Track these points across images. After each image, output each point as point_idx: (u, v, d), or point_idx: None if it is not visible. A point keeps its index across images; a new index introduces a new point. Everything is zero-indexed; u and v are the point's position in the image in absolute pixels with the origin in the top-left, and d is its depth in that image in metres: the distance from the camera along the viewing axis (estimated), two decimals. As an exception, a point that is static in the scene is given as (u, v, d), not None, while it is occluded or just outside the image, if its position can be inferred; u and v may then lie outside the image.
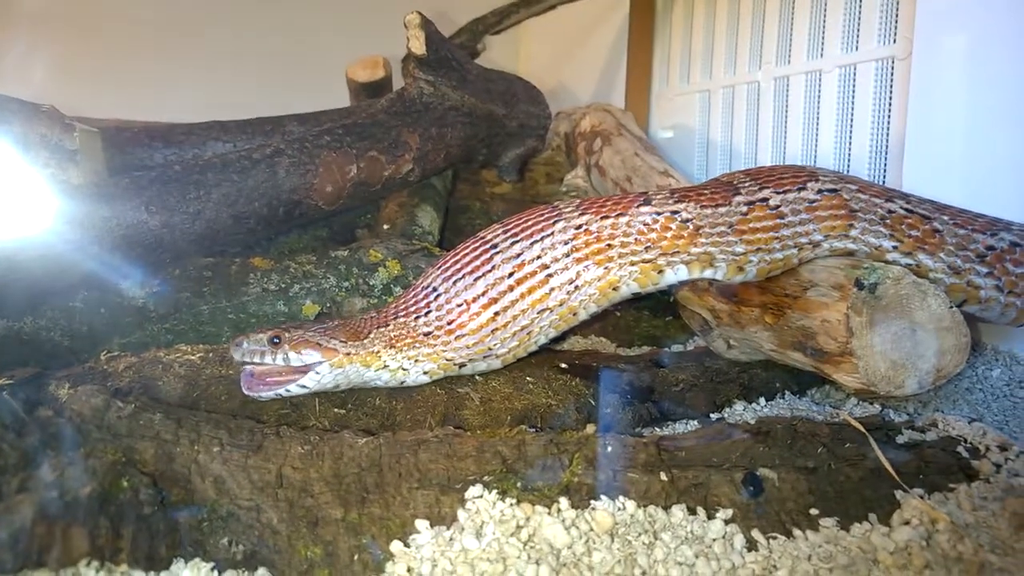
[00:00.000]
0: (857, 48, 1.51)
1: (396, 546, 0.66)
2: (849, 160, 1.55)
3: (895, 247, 0.96)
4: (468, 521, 0.68)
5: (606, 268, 0.94)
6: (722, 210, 0.92)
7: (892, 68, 1.44)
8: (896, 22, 1.41)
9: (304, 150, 1.04)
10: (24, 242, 0.86)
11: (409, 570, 0.64)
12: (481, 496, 0.70)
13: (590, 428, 0.87)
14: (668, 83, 2.14)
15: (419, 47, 1.16)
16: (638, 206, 0.93)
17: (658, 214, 0.92)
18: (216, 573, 0.63)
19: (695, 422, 1.08)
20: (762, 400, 1.13)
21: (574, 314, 0.96)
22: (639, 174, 1.43)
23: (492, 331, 0.93)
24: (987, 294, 0.96)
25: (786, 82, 1.69)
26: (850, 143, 1.54)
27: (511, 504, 0.70)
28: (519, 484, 0.72)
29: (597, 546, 0.68)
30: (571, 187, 1.66)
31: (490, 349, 0.93)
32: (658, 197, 0.94)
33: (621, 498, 0.72)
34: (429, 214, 1.36)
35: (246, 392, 0.84)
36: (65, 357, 1.04)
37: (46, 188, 1.08)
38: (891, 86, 1.44)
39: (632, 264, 0.93)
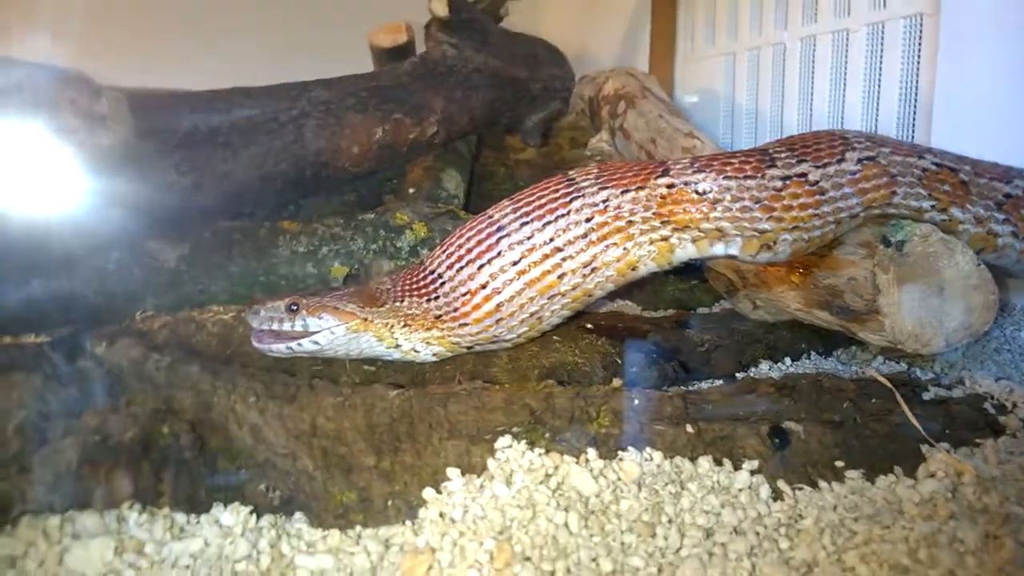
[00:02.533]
0: (885, 6, 1.48)
1: (428, 493, 0.68)
2: (877, 121, 1.52)
3: (933, 206, 0.94)
4: (498, 470, 0.69)
5: (625, 248, 0.87)
6: (751, 183, 0.85)
7: (921, 25, 1.40)
8: (923, -24, 1.37)
9: (330, 112, 1.05)
10: (58, 205, 0.87)
11: (441, 515, 0.66)
12: (510, 446, 0.72)
13: (616, 382, 0.87)
14: (693, 46, 2.11)
15: (442, 9, 1.15)
16: (656, 178, 0.87)
17: (672, 185, 0.86)
18: (255, 517, 0.65)
19: (720, 381, 1.08)
20: (788, 360, 1.13)
21: (589, 296, 0.91)
22: (664, 136, 1.42)
23: (496, 321, 0.88)
24: (1004, 241, 0.95)
25: (813, 42, 1.66)
26: (878, 103, 1.52)
27: (540, 454, 0.71)
28: (547, 435, 0.73)
29: (625, 495, 0.69)
30: (595, 151, 1.65)
31: (496, 336, 0.90)
32: (677, 167, 0.87)
33: (648, 449, 0.73)
34: (454, 178, 1.36)
35: (256, 345, 0.84)
36: (101, 317, 1.06)
37: (77, 153, 1.10)
38: (920, 43, 1.41)
39: (651, 243, 0.88)
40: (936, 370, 1.08)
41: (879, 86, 1.51)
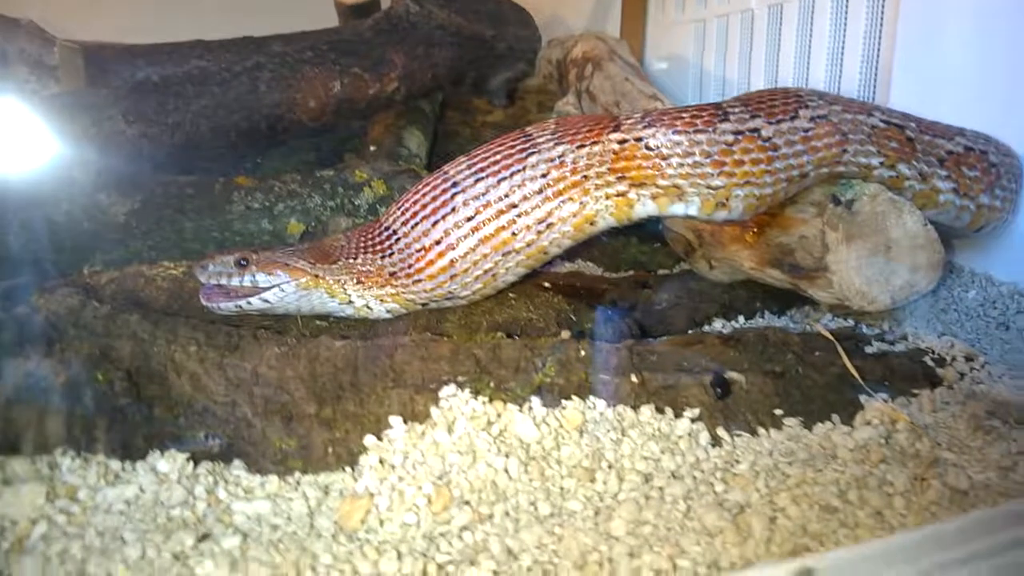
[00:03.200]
0: (850, -28, 1.48)
1: (370, 440, 0.68)
2: (839, 89, 1.53)
3: (881, 163, 0.95)
4: (440, 418, 0.70)
5: (581, 203, 0.87)
6: (702, 137, 0.85)
7: (883, -6, 1.41)
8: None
9: (285, 64, 1.04)
10: (8, 155, 0.86)
11: (381, 461, 0.66)
12: (455, 395, 0.72)
13: (565, 334, 0.88)
14: (664, 12, 2.10)
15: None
16: (609, 132, 0.86)
17: (623, 141, 0.86)
18: (192, 464, 0.65)
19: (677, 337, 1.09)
20: (741, 318, 1.14)
21: (544, 253, 0.91)
22: (628, 98, 1.42)
23: (451, 276, 0.88)
24: (945, 198, 0.97)
25: (780, 9, 1.66)
26: (841, 68, 1.52)
27: (483, 402, 0.71)
28: (492, 384, 0.73)
29: (566, 441, 0.70)
30: (562, 114, 1.64)
31: (451, 292, 0.90)
32: (628, 122, 0.87)
33: (591, 399, 0.74)
34: (416, 137, 1.35)
35: (204, 303, 0.83)
36: (47, 271, 1.05)
37: (26, 102, 1.07)
38: (882, 9, 1.42)
39: (607, 198, 0.87)
40: (884, 327, 1.10)
41: (843, 51, 1.51)
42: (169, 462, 0.64)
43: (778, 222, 1.03)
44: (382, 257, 0.87)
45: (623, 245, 1.44)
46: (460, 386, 0.73)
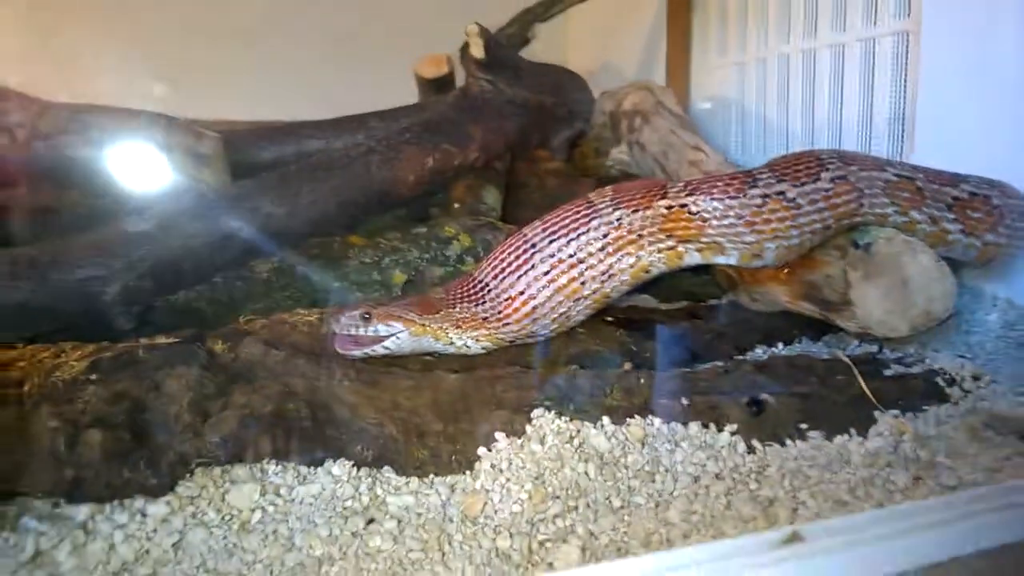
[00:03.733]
0: (876, 23, 1.65)
1: (482, 451, 0.90)
2: (871, 129, 1.69)
3: (895, 211, 1.13)
4: (534, 433, 0.91)
5: (637, 257, 1.07)
6: (735, 202, 1.05)
7: (907, 42, 1.57)
8: (910, -3, 1.53)
9: (391, 147, 1.28)
10: (191, 230, 1.11)
11: (492, 466, 0.88)
12: (543, 415, 0.93)
13: (627, 366, 1.08)
14: (706, 57, 2.29)
15: (479, 52, 1.37)
16: (657, 200, 1.07)
17: (670, 206, 1.06)
18: (355, 468, 0.88)
19: (720, 364, 1.28)
20: (780, 345, 1.32)
21: (607, 297, 1.11)
22: (674, 149, 1.62)
23: (533, 320, 1.07)
24: (953, 237, 1.13)
25: (812, 55, 1.84)
26: (871, 113, 1.69)
27: (566, 421, 0.92)
28: (572, 407, 0.94)
29: (631, 451, 0.90)
30: (616, 161, 1.85)
31: (532, 332, 1.09)
32: (673, 190, 1.07)
33: (650, 417, 0.94)
34: (492, 193, 1.58)
35: (339, 350, 1.01)
36: (210, 322, 1.30)
37: (189, 186, 1.34)
38: (906, 59, 1.58)
39: (659, 251, 1.07)
40: (909, 350, 1.26)
41: (872, 97, 1.68)
42: (340, 468, 0.87)
43: (806, 263, 1.22)
44: (476, 305, 1.08)
45: (678, 279, 1.63)
46: (547, 408, 0.94)
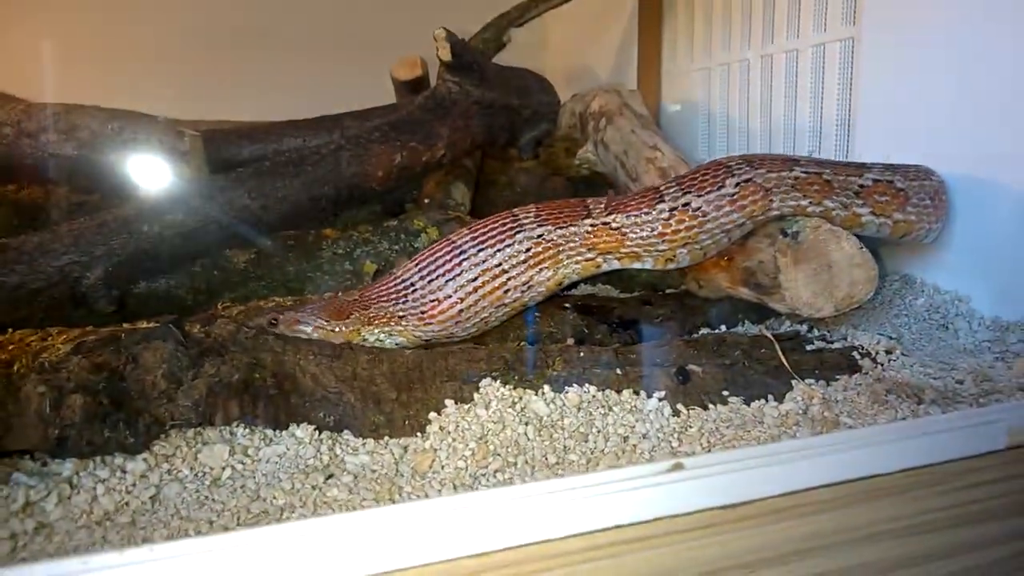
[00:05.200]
0: (825, 29, 1.75)
1: (432, 415, 0.99)
2: (821, 129, 1.79)
3: (809, 202, 1.23)
4: (480, 400, 1.00)
5: (555, 270, 1.17)
6: (646, 217, 1.16)
7: (852, 48, 1.67)
8: (855, 5, 1.63)
9: (360, 145, 1.37)
10: (167, 221, 1.21)
11: (440, 428, 0.97)
12: (490, 384, 1.02)
13: (570, 341, 1.18)
14: (675, 62, 2.40)
15: (446, 55, 1.46)
16: (582, 219, 1.17)
17: (594, 225, 1.17)
18: (317, 432, 0.97)
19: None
20: (723, 327, 1.42)
21: (524, 305, 1.21)
22: (633, 148, 1.72)
23: (456, 323, 1.15)
24: (866, 219, 1.24)
25: (771, 60, 1.94)
26: (821, 115, 1.79)
27: (510, 389, 1.02)
28: (516, 377, 1.04)
29: (568, 415, 0.99)
30: (583, 160, 1.95)
31: (452, 333, 1.16)
32: (597, 209, 1.18)
33: (587, 386, 1.04)
34: (461, 189, 1.68)
35: None
36: (190, 309, 1.40)
37: (172, 182, 1.44)
38: (852, 63, 1.68)
39: (576, 263, 1.18)
40: (842, 331, 1.36)
41: (821, 100, 1.78)
42: (303, 431, 0.96)
43: (743, 251, 1.31)
44: (396, 303, 1.14)
45: (637, 270, 1.73)
46: (494, 378, 1.03)
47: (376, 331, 1.15)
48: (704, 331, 1.39)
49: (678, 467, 0.67)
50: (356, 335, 1.14)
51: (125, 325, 1.29)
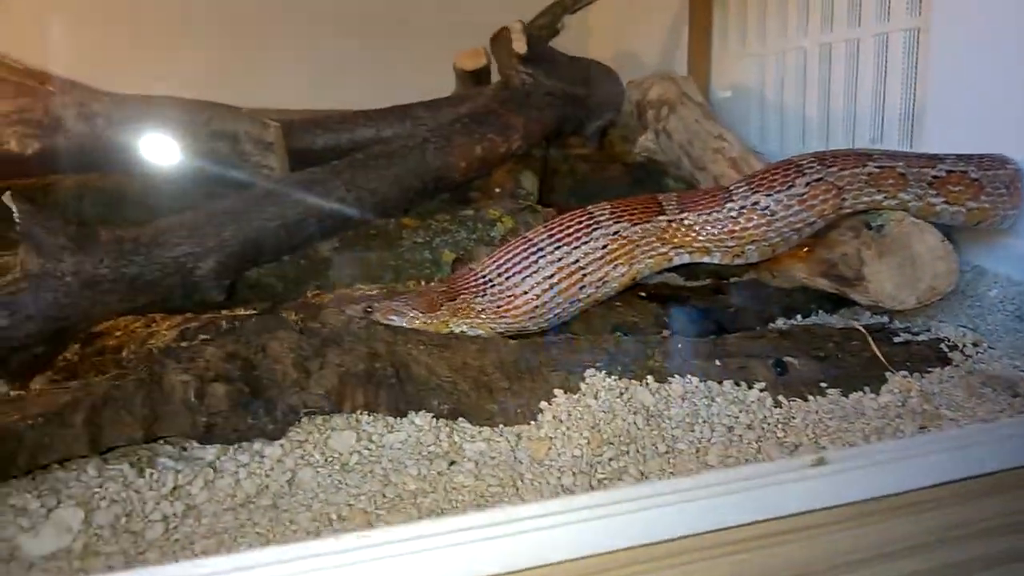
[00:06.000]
0: (889, 19, 1.76)
1: (543, 404, 1.03)
2: (883, 121, 1.80)
3: (884, 196, 1.25)
4: (588, 389, 1.04)
5: (630, 266, 1.21)
6: (715, 215, 1.21)
7: (917, 38, 1.68)
8: (921, -3, 1.64)
9: (443, 137, 1.40)
10: (269, 213, 1.25)
11: (554, 417, 1.01)
12: (595, 375, 1.06)
13: (666, 333, 1.21)
14: (726, 48, 2.40)
15: (522, 47, 1.49)
16: (657, 215, 1.21)
17: (670, 221, 1.22)
18: (434, 419, 1.01)
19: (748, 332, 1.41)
20: (798, 317, 1.45)
21: (597, 301, 1.24)
22: (699, 137, 1.74)
23: (530, 317, 1.18)
24: (940, 208, 1.27)
25: (829, 49, 1.94)
26: (883, 106, 1.80)
27: (615, 379, 1.06)
28: (619, 368, 1.07)
29: (673, 405, 1.03)
30: (642, 148, 1.97)
31: (525, 327, 1.19)
32: (670, 206, 1.22)
33: (689, 376, 1.07)
34: (529, 178, 1.71)
35: None
36: (280, 296, 1.44)
37: (256, 174, 1.47)
38: (917, 55, 1.69)
39: (650, 258, 1.22)
40: (919, 322, 1.39)
41: (884, 91, 1.79)
42: (421, 419, 1.00)
43: (824, 243, 1.34)
44: (476, 297, 1.18)
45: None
46: (598, 369, 1.07)
47: (461, 322, 1.18)
48: (781, 321, 1.43)
49: (820, 462, 0.70)
50: (444, 326, 1.17)
51: (223, 312, 1.34)
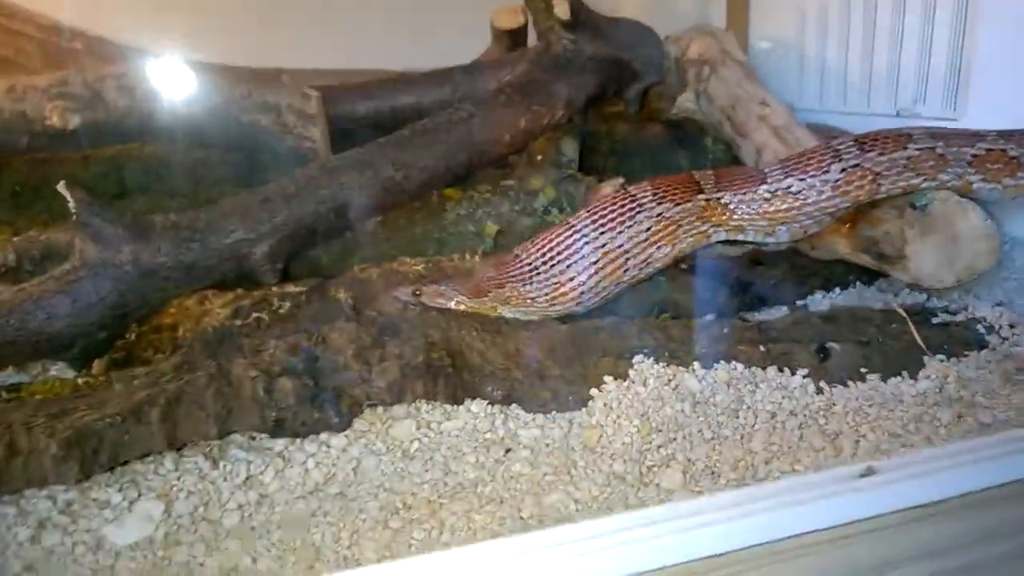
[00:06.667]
0: (939, -30, 1.69)
1: (593, 391, 1.07)
2: (928, 76, 1.77)
3: (923, 179, 1.25)
4: (636, 376, 1.08)
5: (672, 245, 1.22)
6: (749, 196, 1.23)
7: (966, -8, 1.63)
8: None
9: (487, 110, 1.41)
10: (322, 195, 1.27)
11: (604, 404, 1.05)
12: (643, 361, 1.10)
13: (710, 316, 1.24)
14: (767, -3, 2.33)
15: (565, 13, 1.47)
16: (696, 194, 1.23)
17: (708, 200, 1.23)
18: (489, 406, 1.06)
19: (785, 308, 1.44)
20: (837, 289, 1.47)
21: (640, 281, 1.25)
22: (741, 103, 1.72)
23: (577, 303, 1.20)
24: (977, 186, 1.26)
25: (874, 1, 1.88)
26: (929, 61, 1.76)
27: (663, 366, 1.09)
28: (667, 353, 1.11)
29: (719, 391, 1.07)
30: (682, 109, 1.94)
31: (573, 310, 1.21)
32: (708, 185, 1.24)
33: (733, 363, 1.11)
34: (571, 144, 1.71)
35: None
36: (327, 269, 1.47)
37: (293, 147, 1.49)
38: (965, 10, 1.64)
39: (691, 236, 1.23)
40: (953, 296, 1.40)
41: (931, 45, 1.74)
42: (478, 406, 1.05)
43: (867, 219, 1.35)
44: (523, 285, 1.19)
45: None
46: (646, 356, 1.11)
47: (512, 310, 1.21)
48: (820, 295, 1.45)
49: (870, 471, 0.74)
50: (494, 311, 1.20)
51: (274, 289, 1.38)
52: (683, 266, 1.47)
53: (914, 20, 1.77)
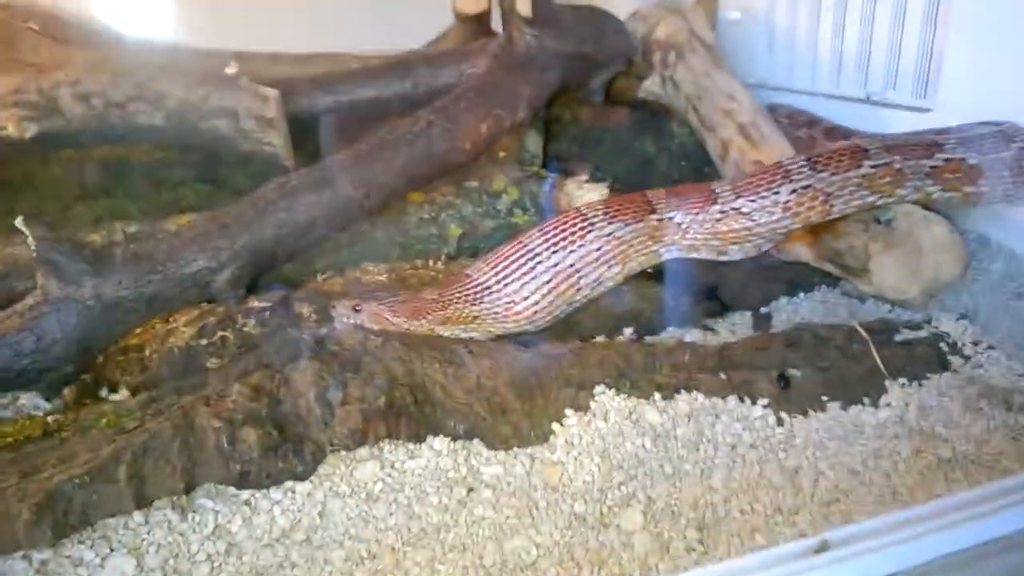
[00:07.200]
0: (914, -51, 1.65)
1: (555, 426, 1.07)
2: (899, 57, 1.74)
3: (879, 197, 1.23)
4: (598, 409, 1.09)
5: (623, 265, 1.21)
6: (700, 216, 1.22)
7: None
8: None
9: (448, 119, 1.36)
10: (281, 219, 1.24)
11: (566, 440, 1.06)
12: (604, 392, 1.10)
13: (672, 329, 1.25)
14: (738, -35, 2.26)
15: (529, 10, 1.42)
16: (648, 214, 1.21)
17: (660, 219, 1.22)
18: (452, 442, 1.06)
19: (748, 314, 1.44)
20: (802, 294, 1.48)
21: (591, 300, 1.25)
22: (709, 94, 1.68)
23: (531, 321, 1.20)
24: (936, 196, 1.25)
25: (847, -21, 1.83)
26: (901, 41, 1.72)
27: (623, 398, 1.10)
28: (628, 383, 1.11)
29: (679, 424, 1.08)
30: (648, 92, 1.90)
31: (525, 329, 1.21)
32: (660, 204, 1.22)
33: (695, 392, 1.11)
34: (534, 138, 1.68)
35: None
36: (290, 274, 1.44)
37: (253, 152, 1.44)
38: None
39: (642, 255, 1.22)
40: (916, 306, 1.40)
41: (903, 24, 1.70)
42: (440, 443, 1.05)
43: (831, 231, 1.35)
44: (472, 305, 1.19)
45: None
46: (607, 386, 1.11)
47: (453, 329, 1.20)
48: (784, 300, 1.46)
49: (824, 546, 0.75)
50: (432, 333, 1.20)
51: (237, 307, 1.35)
52: (648, 269, 1.46)
53: (886, 4, 1.73)
